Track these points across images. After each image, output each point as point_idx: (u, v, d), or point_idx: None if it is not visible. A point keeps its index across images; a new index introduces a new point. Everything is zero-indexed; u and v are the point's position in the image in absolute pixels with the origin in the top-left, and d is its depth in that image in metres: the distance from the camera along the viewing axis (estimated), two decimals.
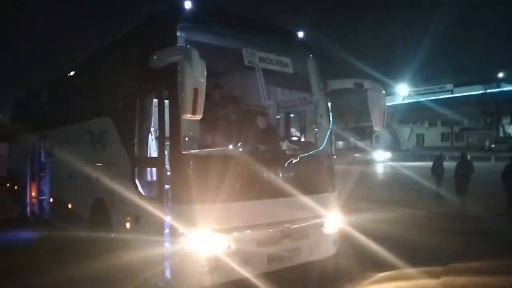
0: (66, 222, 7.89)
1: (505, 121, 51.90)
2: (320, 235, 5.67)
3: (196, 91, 3.97)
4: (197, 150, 4.68)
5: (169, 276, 4.65)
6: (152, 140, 5.20)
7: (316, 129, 6.09)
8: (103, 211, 6.08)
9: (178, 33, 4.79)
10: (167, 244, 4.65)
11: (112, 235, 5.79)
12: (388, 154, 41.06)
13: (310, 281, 5.54)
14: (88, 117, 7.05)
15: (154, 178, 5.05)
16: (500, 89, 49.79)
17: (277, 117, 6.13)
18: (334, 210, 5.88)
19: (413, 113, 57.53)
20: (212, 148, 4.84)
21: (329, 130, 6.01)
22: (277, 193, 5.10)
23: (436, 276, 6.05)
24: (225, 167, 4.71)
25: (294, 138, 6.25)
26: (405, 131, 61.74)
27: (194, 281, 4.59)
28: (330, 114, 6.08)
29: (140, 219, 5.07)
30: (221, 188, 4.64)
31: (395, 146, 53.69)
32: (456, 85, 57.62)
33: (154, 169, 5.09)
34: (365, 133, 54.36)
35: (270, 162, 5.18)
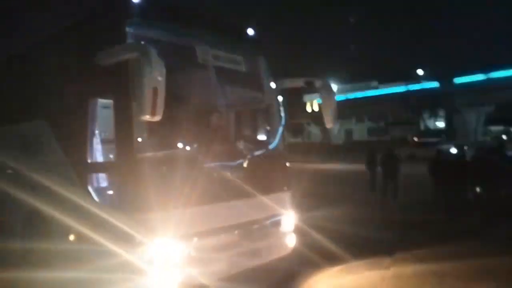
0: None
1: (425, 115, 55.79)
2: (277, 235, 5.66)
3: (155, 91, 3.76)
4: (153, 154, 4.42)
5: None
6: (99, 144, 4.84)
7: (269, 128, 6.05)
8: (39, 222, 5.57)
9: (127, 29, 4.49)
10: (122, 255, 4.34)
11: (53, 248, 5.34)
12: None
13: (268, 280, 5.49)
14: (19, 119, 6.42)
15: (105, 185, 4.70)
16: (421, 86, 53.38)
17: (230, 116, 5.97)
18: (289, 209, 5.88)
19: (341, 109, 59.87)
20: (167, 151, 4.60)
21: (282, 128, 5.99)
22: (235, 194, 4.98)
23: (385, 267, 6.30)
24: (182, 170, 4.50)
25: (249, 138, 6.16)
26: (335, 126, 64.03)
27: None
28: (282, 112, 6.06)
29: (89, 229, 4.69)
30: (179, 192, 4.43)
31: (326, 141, 55.57)
32: (381, 82, 60.96)
33: (105, 176, 4.72)
34: (298, 130, 55.88)
35: (227, 163, 5.05)
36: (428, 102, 52.25)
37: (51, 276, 5.03)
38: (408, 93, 52.29)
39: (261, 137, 6.16)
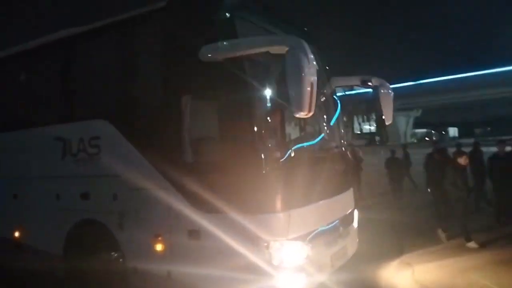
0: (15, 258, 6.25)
1: (360, 119, 58.54)
2: (353, 230, 5.70)
3: (312, 86, 3.60)
4: (274, 153, 4.20)
5: None
6: (207, 144, 4.51)
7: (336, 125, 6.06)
8: (99, 235, 5.09)
9: (234, 21, 4.34)
10: (246, 255, 4.08)
11: (130, 265, 4.87)
12: None
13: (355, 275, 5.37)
14: (79, 118, 5.65)
15: (215, 188, 4.32)
16: (354, 91, 55.99)
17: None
18: (354, 205, 5.96)
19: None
20: (283, 149, 4.34)
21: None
22: (337, 189, 5.03)
23: None
24: (303, 167, 4.41)
25: (338, 134, 6.09)
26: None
27: None
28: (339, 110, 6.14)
29: (195, 234, 4.37)
30: (299, 192, 4.32)
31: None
32: None
33: (213, 178, 4.34)
34: None
35: (330, 160, 5.06)
36: (361, 107, 54.86)
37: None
38: (343, 97, 54.64)
39: (345, 135, 6.22)
